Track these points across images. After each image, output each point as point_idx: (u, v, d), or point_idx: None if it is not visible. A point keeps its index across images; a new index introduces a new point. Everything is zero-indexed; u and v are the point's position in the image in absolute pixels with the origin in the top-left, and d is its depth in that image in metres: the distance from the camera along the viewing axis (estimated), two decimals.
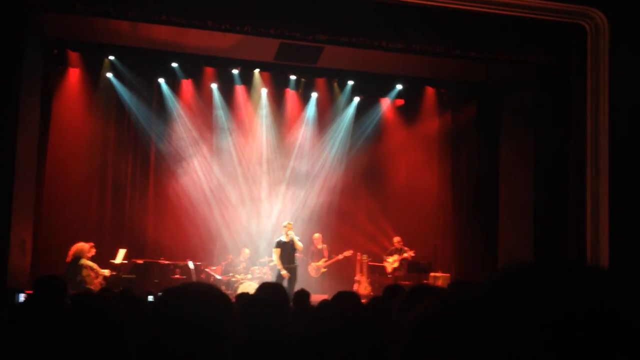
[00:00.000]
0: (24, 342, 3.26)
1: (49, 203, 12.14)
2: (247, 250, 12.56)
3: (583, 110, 10.60)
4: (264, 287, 3.49)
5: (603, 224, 10.34)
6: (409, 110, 14.24)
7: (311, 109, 13.97)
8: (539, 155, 11.43)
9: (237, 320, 1.44)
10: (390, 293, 3.71)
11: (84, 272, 10.42)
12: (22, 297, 6.33)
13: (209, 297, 1.43)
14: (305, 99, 13.98)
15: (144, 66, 12.47)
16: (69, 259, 10.53)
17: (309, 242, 12.86)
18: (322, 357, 1.80)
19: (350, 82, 13.48)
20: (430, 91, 13.97)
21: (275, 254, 11.41)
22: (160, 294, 1.50)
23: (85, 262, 10.45)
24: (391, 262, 12.75)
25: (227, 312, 1.40)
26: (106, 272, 10.81)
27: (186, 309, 1.39)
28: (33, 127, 10.74)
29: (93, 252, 10.78)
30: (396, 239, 12.93)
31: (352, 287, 12.37)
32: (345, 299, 2.87)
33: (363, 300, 4.19)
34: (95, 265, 10.63)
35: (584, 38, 10.59)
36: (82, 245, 10.58)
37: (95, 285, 10.34)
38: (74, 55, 12.22)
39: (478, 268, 12.63)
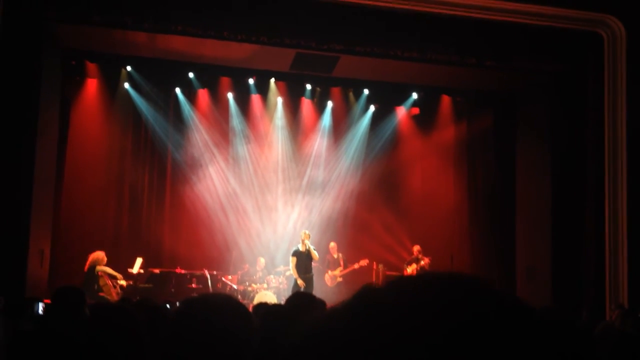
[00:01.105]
0: (44, 352, 3.28)
1: (67, 213, 12.24)
2: (262, 260, 12.57)
3: (600, 118, 10.53)
4: (296, 298, 3.49)
5: (621, 233, 10.25)
6: (424, 119, 14.22)
7: (327, 118, 13.99)
8: (555, 164, 11.36)
9: (255, 331, 1.45)
10: None
11: (101, 281, 10.47)
12: (40, 307, 6.38)
13: (227, 308, 1.44)
14: (320, 108, 14.01)
15: (161, 76, 12.57)
16: (86, 268, 10.59)
17: (325, 251, 12.85)
18: None
19: (366, 91, 13.49)
20: (446, 100, 13.94)
21: (292, 263, 11.41)
22: (178, 304, 1.51)
23: (101, 268, 10.49)
24: (410, 272, 12.71)
25: (245, 324, 1.40)
26: (122, 282, 10.85)
27: (204, 321, 1.40)
28: (52, 138, 10.86)
29: (104, 260, 10.84)
30: (416, 248, 12.87)
31: None
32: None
33: None
34: (111, 270, 10.67)
35: (601, 46, 10.54)
36: (98, 254, 10.65)
37: (112, 294, 10.39)
38: (91, 66, 12.34)
39: (495, 277, 12.54)
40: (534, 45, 10.62)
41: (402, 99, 13.65)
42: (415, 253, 12.81)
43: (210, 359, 1.38)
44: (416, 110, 14.20)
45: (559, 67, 10.96)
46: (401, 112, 14.11)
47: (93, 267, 10.49)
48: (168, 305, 6.68)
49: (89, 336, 2.41)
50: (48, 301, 6.58)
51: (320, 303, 4.29)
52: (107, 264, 10.81)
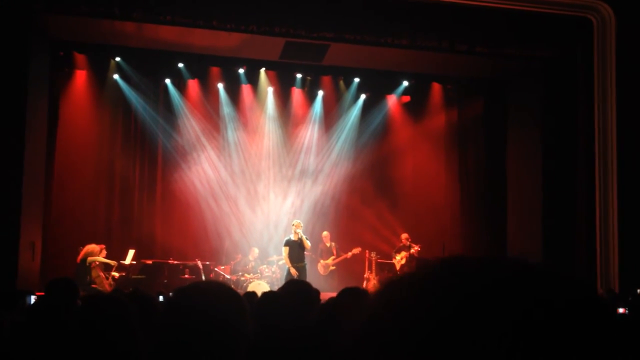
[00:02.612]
0: (36, 343, 3.28)
1: (57, 205, 12.18)
2: (256, 250, 12.58)
3: (590, 104, 10.56)
4: (291, 284, 3.49)
5: (612, 219, 10.31)
6: (415, 106, 14.22)
7: (317, 107, 13.97)
8: (546, 151, 11.39)
9: (249, 318, 1.44)
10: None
11: (94, 273, 10.44)
12: (32, 300, 6.36)
13: (220, 295, 1.42)
14: (311, 97, 13.98)
15: (150, 67, 12.50)
16: (78, 260, 10.55)
17: (318, 240, 12.87)
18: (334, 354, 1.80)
19: (356, 80, 13.46)
20: (436, 87, 13.94)
21: (284, 252, 11.42)
22: (171, 293, 1.50)
23: (93, 259, 10.43)
24: (399, 260, 12.74)
25: (239, 310, 1.39)
26: (115, 273, 10.82)
27: (197, 308, 1.39)
28: (41, 130, 10.78)
29: (104, 254, 10.80)
30: (404, 236, 12.91)
31: (362, 284, 12.35)
32: (351, 295, 2.86)
33: None
34: (102, 258, 10.60)
35: (591, 31, 10.55)
36: (92, 247, 10.60)
37: (105, 286, 10.35)
38: (80, 57, 12.24)
39: None
40: (524, 32, 10.62)
41: (392, 87, 13.63)
42: (403, 241, 12.84)
43: (203, 346, 1.37)
44: (407, 98, 14.20)
45: (549, 53, 10.97)
46: (392, 100, 14.11)
47: (86, 259, 10.45)
48: (161, 297, 6.67)
49: (80, 326, 2.40)
50: (40, 294, 6.57)
51: (315, 291, 4.30)
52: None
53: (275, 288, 9.74)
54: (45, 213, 11.32)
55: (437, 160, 14.40)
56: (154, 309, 2.74)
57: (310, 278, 11.32)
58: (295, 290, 3.18)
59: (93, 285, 10.18)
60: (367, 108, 14.04)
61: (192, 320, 1.38)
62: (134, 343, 2.18)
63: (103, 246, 10.90)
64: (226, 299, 1.42)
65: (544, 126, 11.47)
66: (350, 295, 2.63)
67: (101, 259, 10.61)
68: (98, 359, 2.18)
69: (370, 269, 12.74)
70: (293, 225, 11.60)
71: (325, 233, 13.04)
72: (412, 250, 12.60)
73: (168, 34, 10.80)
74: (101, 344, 2.19)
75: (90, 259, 10.42)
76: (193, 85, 13.32)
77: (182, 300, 1.44)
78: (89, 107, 12.86)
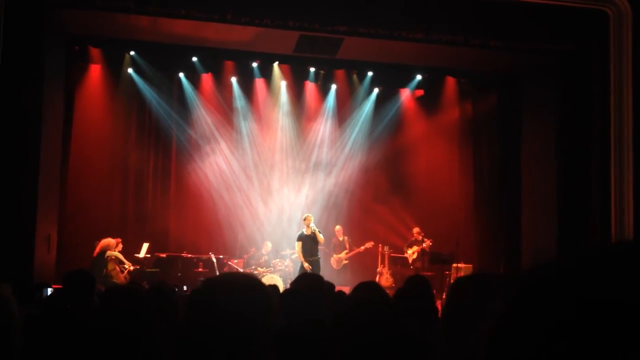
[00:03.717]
0: (53, 336, 3.30)
1: (73, 199, 12.28)
2: (269, 244, 12.61)
3: (606, 98, 10.46)
4: (302, 278, 3.50)
5: (628, 214, 10.23)
6: (429, 100, 14.16)
7: (330, 100, 13.96)
8: (561, 145, 11.31)
9: (275, 310, 1.45)
10: (413, 283, 3.71)
11: (110, 266, 10.53)
12: (49, 292, 6.42)
13: (247, 287, 1.43)
14: (324, 91, 13.97)
15: (164, 61, 12.55)
16: (95, 253, 10.64)
17: (331, 235, 12.88)
18: (355, 348, 1.81)
19: (370, 73, 13.43)
20: (450, 81, 13.88)
21: (297, 246, 11.44)
22: (199, 284, 1.50)
23: (111, 253, 10.54)
24: (411, 254, 12.73)
25: (265, 303, 1.40)
26: (130, 266, 10.90)
27: (224, 300, 1.39)
28: (57, 124, 10.86)
29: (120, 247, 10.89)
30: (415, 230, 12.90)
31: (374, 278, 12.36)
32: (367, 290, 2.87)
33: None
34: (121, 256, 10.73)
35: (607, 24, 10.44)
36: (109, 241, 10.69)
37: (120, 279, 10.44)
38: (95, 52, 12.31)
39: (501, 258, 12.57)
40: (538, 25, 10.53)
41: (406, 80, 13.58)
42: (415, 235, 12.83)
43: (228, 337, 1.38)
44: (420, 92, 14.15)
45: (564, 46, 10.88)
46: (405, 93, 14.07)
47: (103, 252, 10.54)
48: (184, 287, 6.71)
49: (99, 319, 2.42)
50: (57, 286, 6.62)
51: (328, 285, 4.32)
52: (120, 252, 10.87)
53: (288, 282, 9.78)
54: (61, 206, 11.42)
55: (450, 155, 14.35)
56: (175, 303, 2.76)
57: (324, 272, 11.35)
58: (308, 284, 3.18)
59: (109, 278, 10.26)
60: (380, 102, 14.01)
61: (218, 312, 1.38)
62: (152, 335, 2.20)
63: (119, 240, 10.99)
64: (253, 292, 1.42)
65: (558, 121, 11.39)
66: (366, 290, 2.64)
67: (118, 254, 10.68)
68: (115, 352, 2.20)
69: (383, 263, 12.76)
70: (304, 219, 11.63)
71: (338, 227, 13.06)
72: (424, 245, 12.58)
73: (182, 28, 10.83)
74: (118, 336, 2.21)
75: (109, 252, 10.50)
76: (207, 79, 13.36)
77: (209, 292, 1.45)
78: (104, 101, 12.94)
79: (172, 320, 2.33)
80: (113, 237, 10.98)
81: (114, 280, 10.26)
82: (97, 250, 10.59)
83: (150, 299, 2.17)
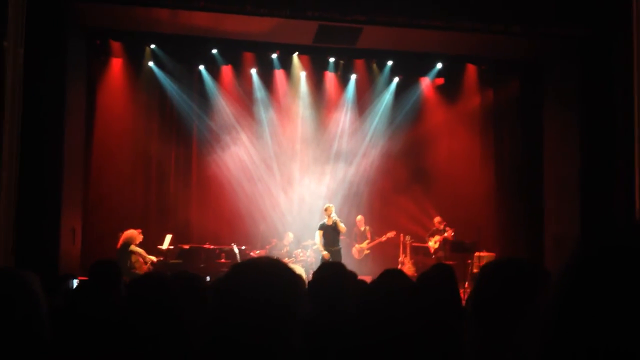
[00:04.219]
0: (80, 327, 3.34)
1: (95, 191, 12.42)
2: (291, 234, 12.65)
3: (629, 84, 10.31)
4: (325, 267, 3.51)
5: None
6: (449, 88, 14.06)
7: (350, 90, 13.93)
8: (584, 132, 11.18)
9: (304, 297, 1.45)
10: (438, 271, 3.70)
11: (133, 258, 10.63)
12: (75, 284, 6.51)
13: (276, 273, 1.43)
14: (344, 81, 13.94)
15: (184, 54, 12.60)
16: (119, 245, 10.75)
17: (352, 224, 12.88)
18: (382, 336, 1.82)
19: (390, 63, 13.38)
20: (471, 69, 13.77)
21: (318, 235, 11.47)
22: (227, 271, 1.51)
23: (134, 248, 10.66)
24: (433, 243, 12.70)
25: (294, 289, 1.40)
26: (153, 258, 11.01)
27: (253, 286, 1.40)
28: (79, 118, 10.97)
29: (141, 238, 10.99)
30: (437, 219, 12.85)
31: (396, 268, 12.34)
32: (392, 277, 2.87)
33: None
34: (143, 251, 10.84)
35: (630, 9, 10.28)
36: (132, 232, 10.80)
37: (144, 271, 10.53)
38: (116, 45, 12.40)
39: (523, 247, 12.48)
40: (561, 10, 10.41)
41: (426, 69, 13.51)
42: (436, 224, 12.78)
43: (257, 323, 1.39)
44: (441, 80, 14.05)
45: (587, 31, 10.74)
46: (425, 82, 13.99)
47: (127, 245, 10.64)
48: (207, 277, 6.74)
49: (126, 308, 2.45)
50: (82, 278, 6.70)
51: (351, 274, 4.32)
52: (140, 242, 10.97)
53: (310, 272, 9.81)
54: (85, 199, 11.55)
55: (471, 143, 14.25)
56: (203, 290, 2.78)
57: (345, 262, 11.30)
58: (332, 272, 3.19)
59: (133, 270, 10.37)
60: (400, 91, 13.95)
61: (247, 298, 1.39)
62: (180, 323, 2.22)
63: (140, 230, 11.09)
64: (282, 278, 1.42)
65: (581, 106, 11.25)
66: (392, 276, 2.64)
67: (140, 250, 10.78)
68: (142, 341, 2.23)
69: (404, 252, 12.74)
70: (325, 209, 11.65)
71: (359, 217, 13.06)
72: (445, 234, 12.54)
73: (202, 20, 10.86)
74: (145, 324, 2.23)
75: (132, 247, 10.60)
76: (226, 70, 13.40)
77: (239, 277, 1.45)
78: (125, 94, 13.04)
79: (200, 308, 2.35)
80: (135, 228, 11.09)
81: (138, 272, 10.36)
82: (121, 242, 10.70)
83: (177, 287, 2.19)
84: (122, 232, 10.86)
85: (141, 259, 10.72)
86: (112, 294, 3.74)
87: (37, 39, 9.01)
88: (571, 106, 11.52)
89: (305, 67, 13.50)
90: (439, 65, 13.30)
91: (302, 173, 13.78)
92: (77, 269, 9.91)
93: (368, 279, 7.26)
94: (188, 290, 2.37)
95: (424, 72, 13.65)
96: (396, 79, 13.83)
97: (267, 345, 1.41)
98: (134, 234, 10.77)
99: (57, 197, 9.49)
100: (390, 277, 2.58)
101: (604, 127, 10.78)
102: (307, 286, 3.24)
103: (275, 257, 1.57)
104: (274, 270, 1.44)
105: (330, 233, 11.42)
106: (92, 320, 3.30)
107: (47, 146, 9.26)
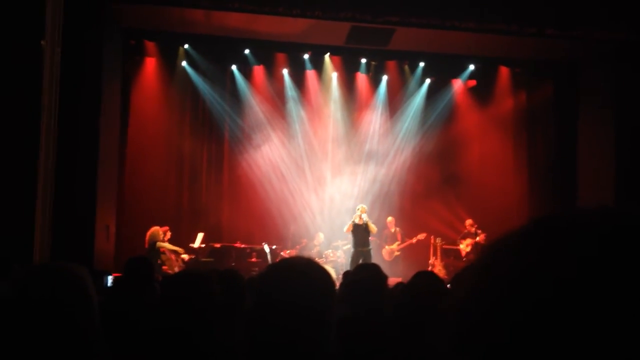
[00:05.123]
0: (115, 322, 3.40)
1: (130, 190, 12.58)
2: (321, 235, 12.67)
3: None
4: (362, 268, 3.53)
5: None
6: (481, 91, 13.95)
7: (382, 92, 13.91)
8: (620, 136, 11.02)
9: (337, 298, 1.47)
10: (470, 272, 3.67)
11: (163, 256, 10.74)
12: (110, 280, 6.63)
13: (312, 273, 1.45)
14: (375, 83, 13.92)
15: (217, 54, 12.71)
16: (146, 244, 10.86)
17: (383, 226, 12.85)
18: (415, 337, 1.82)
19: (422, 64, 13.33)
20: (504, 71, 13.65)
21: (349, 225, 11.52)
22: (262, 271, 1.53)
23: (161, 244, 10.75)
24: (465, 247, 12.60)
25: (331, 290, 1.41)
26: (185, 255, 11.10)
27: (291, 286, 1.42)
28: (114, 117, 11.14)
29: (169, 235, 11.09)
30: (468, 222, 12.74)
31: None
32: (426, 278, 2.87)
33: None
34: (170, 245, 10.91)
35: None
36: (155, 229, 10.88)
37: (174, 268, 10.62)
38: (150, 45, 12.56)
39: None
40: (595, 12, 10.27)
41: (458, 71, 13.43)
42: (467, 227, 12.67)
43: (296, 324, 1.40)
44: (473, 83, 13.95)
45: (622, 34, 10.58)
46: (457, 84, 13.90)
47: (153, 242, 10.75)
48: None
49: (163, 307, 2.48)
50: (117, 275, 6.82)
51: (384, 276, 4.32)
52: (169, 239, 11.08)
53: (341, 273, 9.83)
54: (119, 197, 11.72)
55: (504, 146, 14.11)
56: (243, 289, 2.81)
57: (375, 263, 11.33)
58: (369, 274, 3.21)
59: (164, 267, 10.48)
60: (432, 93, 13.89)
61: (285, 299, 1.41)
62: (219, 322, 2.24)
63: (167, 228, 11.18)
64: (319, 280, 1.44)
65: (617, 110, 11.09)
66: (426, 278, 2.64)
67: (168, 245, 10.88)
68: (177, 335, 2.25)
69: (435, 254, 12.66)
70: (358, 209, 11.65)
71: (390, 219, 13.02)
72: (477, 238, 12.42)
73: (235, 21, 10.95)
74: (180, 319, 2.26)
75: (159, 244, 10.71)
76: (258, 71, 13.47)
77: (276, 278, 1.47)
78: (159, 94, 13.19)
79: (239, 307, 2.38)
80: (168, 227, 11.20)
81: (169, 269, 10.46)
82: (147, 241, 10.81)
83: (216, 285, 2.21)
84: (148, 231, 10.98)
85: (173, 256, 10.82)
86: (146, 291, 3.80)
87: (74, 38, 9.15)
88: (607, 109, 11.36)
89: (336, 68, 13.52)
90: (471, 67, 13.21)
91: (333, 173, 13.79)
92: (111, 265, 10.06)
93: (398, 280, 7.24)
94: (228, 289, 2.39)
95: (456, 74, 13.57)
96: (428, 81, 13.77)
97: (305, 346, 1.42)
98: (157, 231, 10.85)
99: (92, 195, 9.65)
100: (424, 278, 2.58)
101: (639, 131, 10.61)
102: (337, 287, 3.26)
103: (309, 257, 1.58)
104: (311, 271, 1.45)
105: (360, 233, 11.42)
106: (128, 316, 3.36)
107: (82, 145, 9.42)
